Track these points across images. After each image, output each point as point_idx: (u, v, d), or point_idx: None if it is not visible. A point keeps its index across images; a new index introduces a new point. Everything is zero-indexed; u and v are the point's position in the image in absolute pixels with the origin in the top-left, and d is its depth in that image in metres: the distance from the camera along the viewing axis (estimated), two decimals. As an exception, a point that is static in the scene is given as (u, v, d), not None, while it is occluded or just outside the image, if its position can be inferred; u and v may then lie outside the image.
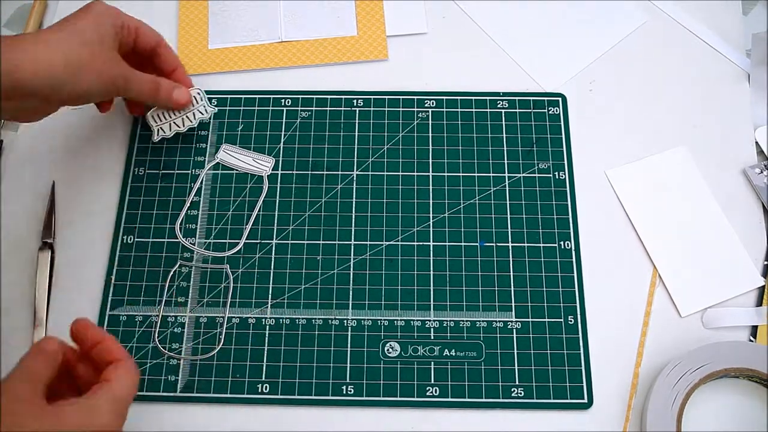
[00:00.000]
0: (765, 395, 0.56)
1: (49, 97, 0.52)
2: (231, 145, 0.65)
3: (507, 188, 0.64)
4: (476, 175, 0.64)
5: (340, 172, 0.64)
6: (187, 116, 0.64)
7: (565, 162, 0.65)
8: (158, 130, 0.64)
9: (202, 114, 0.65)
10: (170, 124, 0.64)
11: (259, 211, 0.63)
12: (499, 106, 0.67)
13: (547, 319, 0.59)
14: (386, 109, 0.67)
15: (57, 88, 0.52)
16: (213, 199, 0.63)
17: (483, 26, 0.71)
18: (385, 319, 0.59)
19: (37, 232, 0.63)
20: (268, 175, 0.64)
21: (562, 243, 0.62)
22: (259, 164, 0.64)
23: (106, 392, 0.46)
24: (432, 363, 0.58)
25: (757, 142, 0.65)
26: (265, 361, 0.58)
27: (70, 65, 0.52)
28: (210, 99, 0.66)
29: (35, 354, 0.46)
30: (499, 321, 0.59)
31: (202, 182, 0.64)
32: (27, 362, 0.46)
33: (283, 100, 0.67)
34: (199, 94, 0.65)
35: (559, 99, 0.67)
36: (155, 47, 0.61)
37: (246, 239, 0.62)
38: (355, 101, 0.67)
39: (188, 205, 0.63)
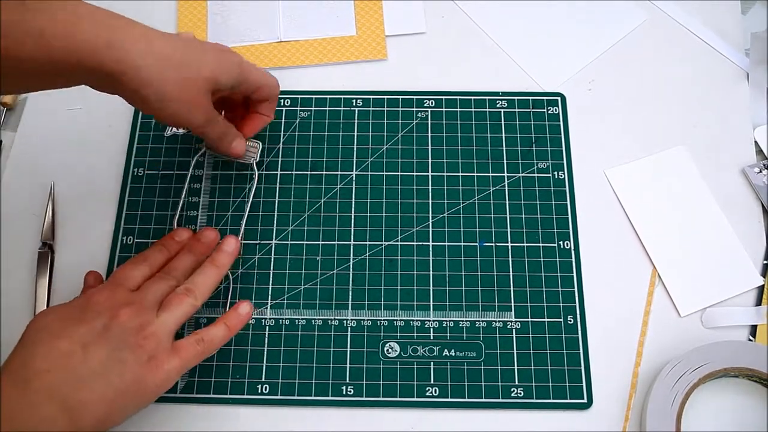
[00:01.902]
0: (765, 395, 0.56)
1: (127, 90, 0.49)
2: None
3: (506, 188, 0.64)
4: (475, 174, 0.64)
5: (339, 172, 0.64)
6: None
7: (565, 162, 0.65)
8: (172, 127, 0.65)
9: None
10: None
11: (250, 203, 0.63)
12: (498, 105, 0.67)
13: (546, 319, 0.59)
14: (385, 109, 0.67)
15: (141, 87, 0.49)
16: (213, 199, 0.63)
17: (482, 26, 0.71)
18: (384, 320, 0.59)
19: (37, 232, 0.63)
20: (256, 162, 0.63)
21: (561, 243, 0.62)
22: (247, 150, 0.62)
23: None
24: (431, 363, 0.58)
25: (756, 142, 0.66)
26: (264, 361, 0.58)
27: (159, 93, 0.49)
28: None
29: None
30: (499, 321, 0.59)
31: (196, 176, 0.63)
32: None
33: (282, 101, 0.67)
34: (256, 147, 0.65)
35: (559, 99, 0.67)
36: (271, 96, 0.59)
37: (245, 239, 0.62)
38: (354, 101, 0.67)
39: (185, 194, 0.63)
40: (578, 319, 0.59)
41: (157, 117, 0.51)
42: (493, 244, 0.62)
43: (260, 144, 0.63)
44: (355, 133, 0.66)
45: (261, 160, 0.64)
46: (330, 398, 0.57)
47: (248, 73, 0.55)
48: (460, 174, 0.64)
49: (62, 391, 0.44)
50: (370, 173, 0.64)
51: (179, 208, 0.62)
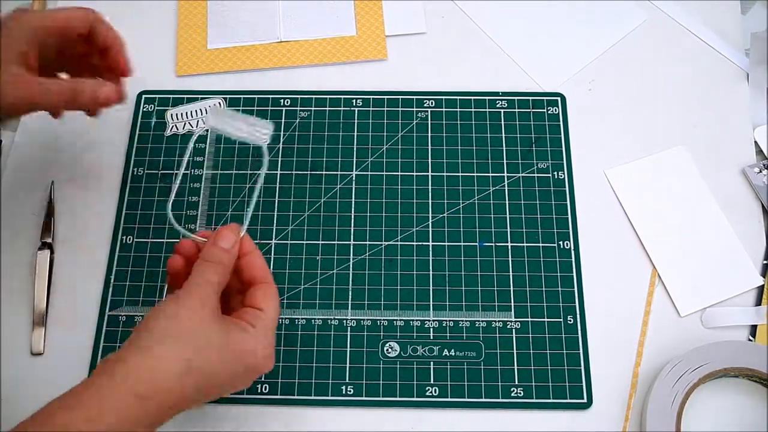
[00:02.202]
0: (764, 395, 0.56)
1: None
2: (222, 108, 0.59)
3: (506, 188, 0.64)
4: (475, 174, 0.64)
5: (339, 172, 0.64)
6: (203, 119, 0.65)
7: (564, 162, 0.65)
8: (173, 126, 0.65)
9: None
10: (186, 123, 0.65)
11: (260, 191, 0.58)
12: (498, 105, 0.67)
13: (546, 319, 0.59)
14: (385, 109, 0.67)
15: None
16: (213, 199, 0.63)
17: (482, 26, 0.71)
18: (384, 319, 0.59)
19: (37, 232, 0.63)
20: (268, 146, 0.55)
21: (561, 243, 0.62)
22: (256, 131, 0.54)
23: (263, 322, 0.48)
24: (431, 363, 0.58)
25: (756, 142, 0.66)
26: (264, 361, 0.58)
27: None
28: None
29: (216, 264, 0.48)
30: (499, 321, 0.59)
31: (191, 153, 0.60)
32: (205, 270, 0.47)
33: (282, 101, 0.67)
34: (221, 104, 0.64)
35: (558, 99, 0.67)
36: (91, 27, 0.55)
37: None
38: (354, 101, 0.67)
39: (179, 181, 0.62)
40: (578, 319, 0.59)
41: None
42: (492, 244, 0.61)
43: (271, 124, 0.55)
44: (355, 133, 0.66)
45: (258, 160, 0.64)
46: (330, 398, 0.57)
47: (40, 17, 0.53)
48: (460, 174, 0.64)
49: None
50: (370, 173, 0.64)
51: (172, 194, 0.59)
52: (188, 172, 0.64)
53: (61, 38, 0.54)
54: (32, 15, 0.53)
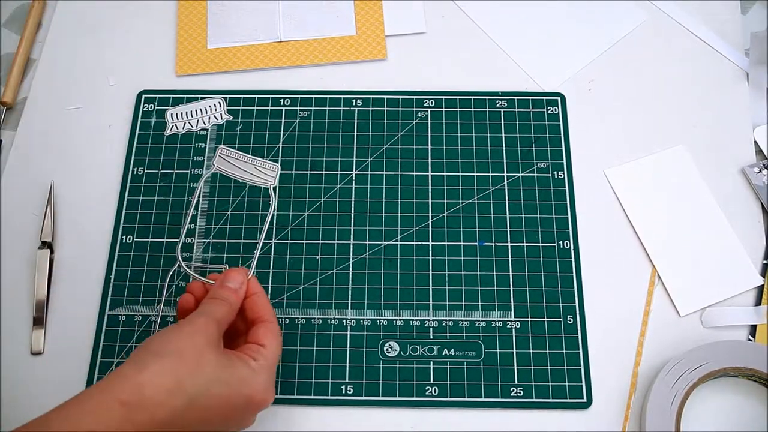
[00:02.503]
0: (764, 394, 0.56)
1: None
2: (229, 149, 0.60)
3: (506, 188, 0.64)
4: (475, 174, 0.64)
5: (339, 172, 0.64)
6: (202, 119, 0.65)
7: (564, 161, 0.65)
8: (173, 126, 0.65)
9: (217, 119, 0.65)
10: (186, 122, 0.65)
11: (268, 228, 0.61)
12: (498, 105, 0.67)
13: (546, 319, 0.59)
14: (385, 108, 0.67)
15: None
16: (212, 198, 0.63)
17: (482, 26, 0.71)
18: (384, 319, 0.59)
19: (37, 232, 0.63)
20: (274, 188, 0.60)
21: (561, 242, 0.62)
22: (263, 174, 0.58)
23: (265, 360, 0.48)
24: (431, 362, 0.58)
25: (755, 142, 0.66)
26: (264, 360, 0.58)
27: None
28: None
29: (221, 301, 0.49)
30: (498, 320, 0.59)
31: (199, 193, 0.63)
32: (214, 309, 0.48)
33: (282, 100, 0.67)
34: (220, 104, 0.65)
35: (558, 98, 0.67)
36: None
37: (245, 239, 0.62)
38: (354, 101, 0.67)
39: (188, 221, 0.62)
40: (578, 319, 0.59)
41: None
42: (492, 244, 0.61)
43: (278, 167, 0.60)
44: (355, 133, 0.66)
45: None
46: (329, 397, 0.57)
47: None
48: (460, 174, 0.64)
49: None
50: (369, 173, 0.64)
51: (182, 235, 0.61)
52: (188, 172, 0.64)
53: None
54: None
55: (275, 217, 0.62)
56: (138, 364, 0.43)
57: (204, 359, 0.45)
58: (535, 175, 0.64)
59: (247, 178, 0.59)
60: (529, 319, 0.59)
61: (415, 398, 0.57)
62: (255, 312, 0.51)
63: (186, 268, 0.57)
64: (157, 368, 0.43)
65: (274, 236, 0.62)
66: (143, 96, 0.68)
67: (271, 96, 0.68)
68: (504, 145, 0.65)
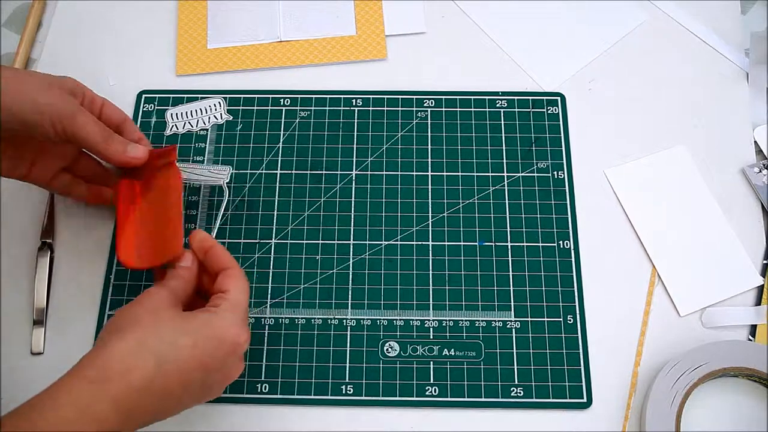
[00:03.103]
0: (764, 394, 0.56)
1: None
2: (183, 163, 0.62)
3: (506, 188, 0.64)
4: (475, 174, 0.64)
5: (339, 172, 0.64)
6: (203, 119, 0.65)
7: (564, 161, 0.65)
8: (173, 126, 0.66)
9: (217, 119, 0.65)
10: (186, 122, 0.65)
11: (222, 220, 0.62)
12: (498, 105, 0.67)
13: (546, 319, 0.59)
14: (385, 108, 0.67)
15: None
16: (212, 198, 0.63)
17: (482, 26, 0.71)
18: (384, 319, 0.59)
19: (37, 232, 0.63)
20: (227, 183, 0.61)
21: (561, 242, 0.62)
22: (215, 174, 0.61)
23: (228, 302, 0.48)
24: (431, 362, 0.58)
25: (755, 142, 0.66)
26: (264, 360, 0.58)
27: (10, 84, 0.49)
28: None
29: (176, 276, 0.50)
30: (498, 320, 0.59)
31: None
32: (169, 281, 0.49)
33: (282, 100, 0.67)
34: (220, 103, 0.65)
35: (558, 98, 0.67)
36: (120, 124, 0.57)
37: (245, 238, 0.62)
38: (354, 101, 0.67)
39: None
40: (578, 319, 0.59)
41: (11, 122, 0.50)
42: (492, 244, 0.61)
43: (229, 168, 0.62)
44: (355, 133, 0.66)
45: (258, 159, 0.64)
46: (329, 397, 0.57)
47: (90, 91, 0.56)
48: (460, 174, 0.64)
49: None
50: (369, 173, 0.64)
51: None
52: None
53: (97, 112, 0.56)
54: (82, 85, 0.56)
55: (275, 217, 0.62)
56: (99, 343, 0.44)
57: (160, 317, 0.45)
58: (535, 175, 0.64)
59: (203, 180, 0.61)
60: (529, 319, 0.59)
61: (415, 398, 0.57)
62: (216, 264, 0.51)
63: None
64: (115, 340, 0.43)
65: (274, 236, 0.62)
66: (143, 96, 0.68)
67: (271, 96, 0.68)
68: (504, 145, 0.65)
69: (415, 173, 0.64)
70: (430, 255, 0.61)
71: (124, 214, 0.55)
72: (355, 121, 0.67)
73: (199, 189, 0.64)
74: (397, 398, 0.57)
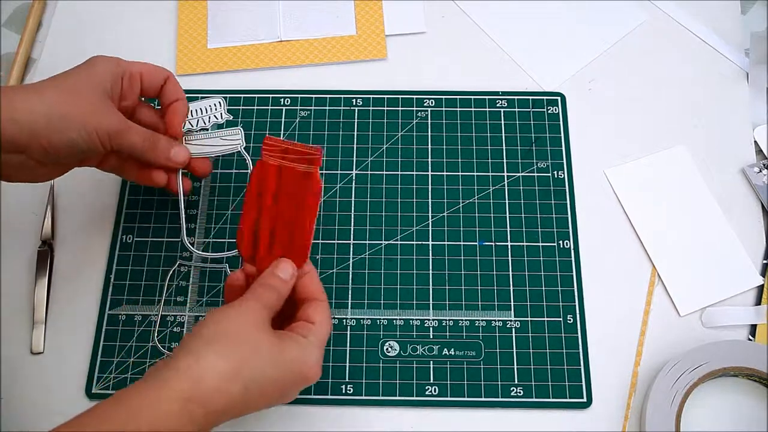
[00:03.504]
0: (764, 394, 0.56)
1: (28, 148, 0.49)
2: (191, 134, 0.60)
3: (506, 187, 0.64)
4: (475, 174, 0.64)
5: (339, 172, 0.64)
6: (203, 119, 0.65)
7: (564, 161, 0.65)
8: None
9: (217, 119, 0.65)
10: (186, 122, 0.65)
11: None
12: (498, 105, 0.67)
13: (546, 319, 0.59)
14: (385, 108, 0.67)
15: (35, 137, 0.49)
16: (212, 198, 0.63)
17: (482, 25, 0.71)
18: (384, 319, 0.59)
19: (37, 232, 0.63)
20: (244, 147, 0.60)
21: (561, 242, 0.62)
22: (229, 140, 0.60)
23: (315, 335, 0.48)
24: (431, 362, 0.58)
25: (755, 142, 0.66)
26: (264, 360, 0.58)
27: (52, 114, 0.49)
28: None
29: (271, 288, 0.49)
30: (498, 320, 0.59)
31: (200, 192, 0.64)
32: (265, 295, 0.48)
33: (282, 100, 0.67)
34: (220, 103, 0.65)
35: (558, 98, 0.67)
36: (162, 84, 0.58)
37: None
38: (354, 101, 0.67)
39: (183, 214, 0.62)
40: (578, 319, 0.59)
41: (60, 151, 0.50)
42: (492, 244, 0.61)
43: (240, 129, 0.60)
44: (355, 133, 0.66)
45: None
46: (329, 397, 0.57)
47: (125, 64, 0.56)
48: (460, 173, 0.64)
49: None
50: (369, 173, 0.64)
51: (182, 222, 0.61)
52: (188, 171, 0.64)
53: (142, 89, 0.57)
54: (115, 59, 0.56)
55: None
56: (192, 353, 0.43)
57: (258, 344, 0.45)
58: (535, 174, 0.64)
59: (217, 150, 0.59)
60: (529, 318, 0.59)
61: (415, 398, 0.57)
62: (306, 291, 0.51)
63: (189, 245, 0.59)
64: (212, 357, 0.43)
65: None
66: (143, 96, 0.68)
67: (271, 96, 0.68)
68: (504, 144, 0.65)
69: (415, 173, 0.64)
70: (430, 255, 0.61)
71: (253, 198, 0.53)
72: (355, 120, 0.67)
73: (200, 189, 0.64)
74: (397, 398, 0.57)
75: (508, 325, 0.59)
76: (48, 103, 0.50)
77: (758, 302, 0.60)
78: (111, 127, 0.52)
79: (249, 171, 0.59)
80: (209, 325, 0.45)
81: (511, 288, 0.60)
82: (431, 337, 0.58)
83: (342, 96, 0.68)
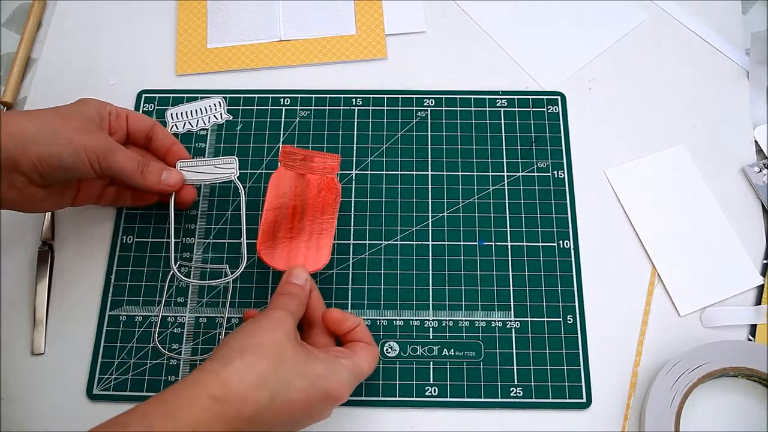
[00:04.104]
0: (764, 394, 0.56)
1: (19, 162, 0.50)
2: (185, 160, 0.60)
3: (506, 187, 0.64)
4: (475, 174, 0.64)
5: (339, 172, 0.64)
6: (203, 119, 0.65)
7: (564, 161, 0.65)
8: (173, 126, 0.66)
9: (217, 119, 0.65)
10: (186, 122, 0.65)
11: (245, 217, 0.60)
12: (498, 105, 0.67)
13: (546, 319, 0.59)
14: (385, 108, 0.67)
15: (26, 149, 0.50)
16: (213, 198, 0.63)
17: (482, 25, 0.71)
18: (384, 319, 0.59)
19: (37, 232, 0.63)
20: (238, 177, 0.59)
21: (561, 242, 0.62)
22: (223, 169, 0.59)
23: (351, 360, 0.50)
24: (431, 362, 0.58)
25: (755, 141, 0.65)
26: (264, 360, 0.58)
27: (43, 128, 0.51)
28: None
29: (291, 295, 0.51)
30: (498, 320, 0.59)
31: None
32: (287, 302, 0.51)
33: (281, 100, 0.67)
34: (220, 103, 0.65)
35: (559, 98, 0.67)
36: (149, 131, 0.59)
37: (248, 239, 0.62)
38: (353, 100, 0.67)
39: (173, 238, 0.61)
40: (578, 319, 0.59)
41: (48, 166, 0.51)
42: (492, 244, 0.61)
43: (235, 159, 0.60)
44: (355, 133, 0.66)
45: (258, 159, 0.64)
46: (329, 398, 0.57)
47: (112, 106, 0.58)
48: (460, 173, 0.64)
49: None
50: (369, 172, 0.64)
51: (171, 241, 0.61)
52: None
53: (127, 129, 0.59)
54: (103, 102, 0.57)
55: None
56: (222, 360, 0.45)
57: (285, 353, 0.46)
58: (535, 174, 0.64)
59: (211, 178, 0.59)
60: (529, 319, 0.59)
61: (414, 398, 0.57)
62: (357, 337, 0.53)
63: (182, 277, 0.60)
64: (240, 363, 0.44)
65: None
66: (143, 96, 0.68)
67: (271, 95, 0.68)
68: (504, 144, 0.65)
69: (415, 173, 0.64)
70: (430, 255, 0.61)
71: (272, 204, 0.56)
72: (355, 120, 0.67)
73: (200, 189, 0.64)
74: (397, 398, 0.57)
75: (507, 326, 0.59)
76: (40, 121, 0.52)
77: (758, 302, 0.60)
78: (99, 146, 0.53)
79: (241, 195, 0.61)
80: (239, 337, 0.47)
81: (511, 288, 0.60)
82: (431, 337, 0.58)
83: (342, 96, 0.68)
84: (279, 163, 0.57)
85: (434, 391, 0.57)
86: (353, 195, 0.63)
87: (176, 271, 0.59)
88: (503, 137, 0.66)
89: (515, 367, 0.57)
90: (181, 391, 0.43)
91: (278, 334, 0.47)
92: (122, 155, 0.55)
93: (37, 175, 0.52)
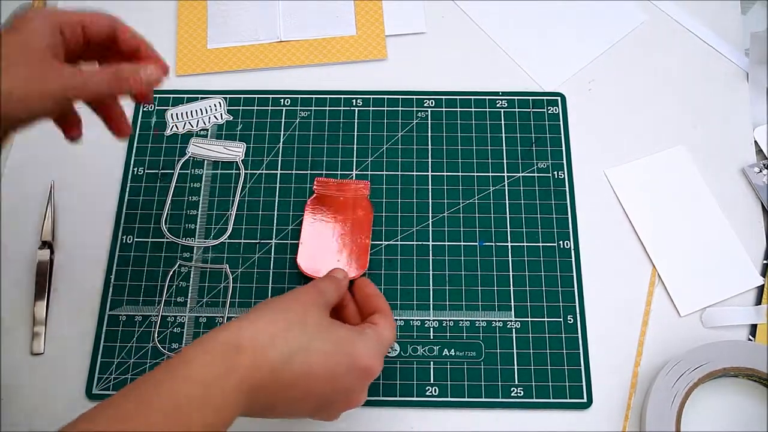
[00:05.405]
0: (764, 394, 0.56)
1: None
2: (200, 138, 0.65)
3: (506, 188, 0.64)
4: (475, 174, 0.64)
5: (339, 172, 0.64)
6: (203, 119, 0.65)
7: (565, 161, 0.65)
8: (173, 126, 0.66)
9: (217, 119, 0.65)
10: (186, 122, 0.65)
11: (241, 197, 0.63)
12: (498, 105, 0.67)
13: (546, 319, 0.59)
14: (385, 108, 0.67)
15: None
16: (213, 198, 0.63)
17: (482, 26, 0.71)
18: (384, 319, 0.59)
19: (37, 232, 0.63)
20: (242, 161, 0.64)
21: (561, 242, 0.62)
22: (231, 151, 0.64)
23: (374, 331, 0.49)
24: (431, 363, 0.58)
25: (756, 141, 0.66)
26: (264, 360, 0.58)
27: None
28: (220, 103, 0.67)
29: (328, 278, 0.52)
30: (499, 320, 0.59)
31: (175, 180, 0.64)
32: (320, 283, 0.51)
33: (282, 100, 0.67)
34: (220, 103, 0.65)
35: (559, 98, 0.67)
36: (111, 32, 0.52)
37: (245, 239, 0.62)
38: (354, 101, 0.67)
39: (169, 201, 0.63)
40: (578, 319, 0.59)
41: (21, 124, 0.45)
42: (492, 244, 0.61)
43: (244, 144, 0.64)
44: (355, 133, 0.66)
45: (258, 159, 0.64)
46: (330, 398, 0.57)
47: (62, 15, 0.49)
48: (460, 174, 0.64)
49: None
50: (369, 173, 0.64)
51: (166, 207, 0.63)
52: (188, 172, 0.64)
53: (85, 37, 0.51)
54: (53, 10, 0.50)
55: (275, 217, 0.62)
56: (245, 316, 0.45)
57: (308, 315, 0.46)
58: (535, 175, 0.64)
59: (218, 156, 0.64)
60: (530, 319, 0.59)
61: (415, 398, 0.57)
62: (373, 306, 0.52)
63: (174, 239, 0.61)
64: (257, 315, 0.44)
65: (274, 236, 0.62)
66: (143, 96, 0.68)
67: (271, 96, 0.68)
68: (504, 145, 0.65)
69: (415, 173, 0.64)
70: (430, 255, 0.61)
71: (310, 226, 0.61)
72: (355, 121, 0.67)
73: (200, 189, 0.64)
74: (397, 398, 0.57)
75: (508, 326, 0.59)
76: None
77: (758, 302, 0.60)
78: (65, 87, 0.46)
79: (241, 179, 0.63)
80: (266, 301, 0.47)
81: (512, 288, 0.60)
82: (431, 337, 0.58)
83: (342, 96, 0.68)
84: (313, 192, 0.62)
85: (435, 391, 0.57)
86: (353, 195, 0.64)
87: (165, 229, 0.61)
88: (503, 138, 0.66)
89: (516, 367, 0.57)
90: (197, 344, 0.42)
91: (306, 298, 0.47)
92: (90, 81, 0.47)
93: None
